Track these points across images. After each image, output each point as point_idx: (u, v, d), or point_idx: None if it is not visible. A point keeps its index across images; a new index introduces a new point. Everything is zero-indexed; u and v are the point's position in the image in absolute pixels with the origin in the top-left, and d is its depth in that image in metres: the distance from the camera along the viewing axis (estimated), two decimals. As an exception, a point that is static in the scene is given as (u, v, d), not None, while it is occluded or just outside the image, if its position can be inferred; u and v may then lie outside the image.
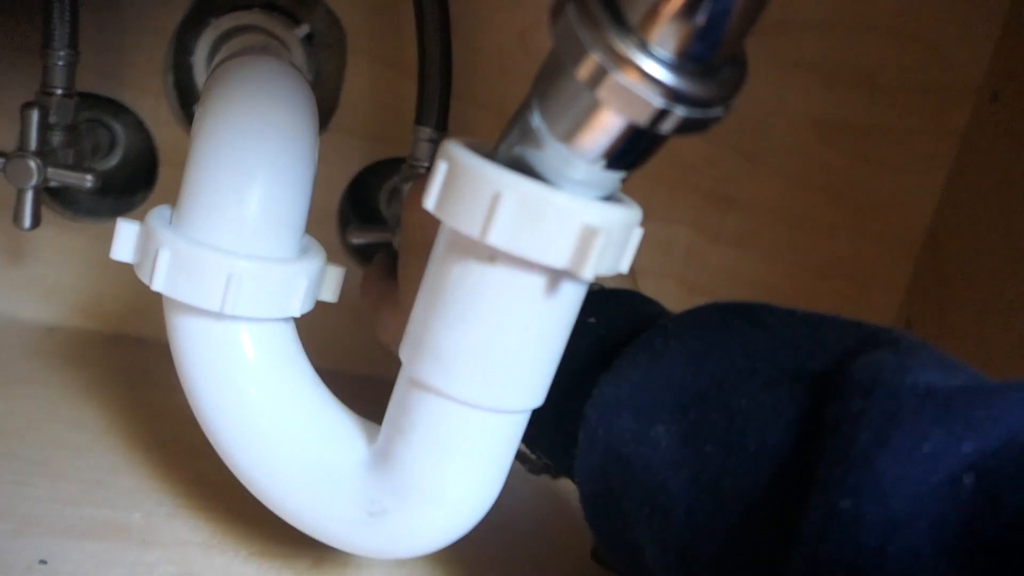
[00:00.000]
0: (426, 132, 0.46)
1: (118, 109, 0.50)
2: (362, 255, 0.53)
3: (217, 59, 0.48)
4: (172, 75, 0.50)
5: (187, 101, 0.50)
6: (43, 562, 0.33)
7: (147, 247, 0.30)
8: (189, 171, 0.32)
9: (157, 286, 0.30)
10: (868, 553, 0.21)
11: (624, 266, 0.26)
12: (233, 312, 0.30)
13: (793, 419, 0.24)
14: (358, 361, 0.52)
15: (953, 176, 0.53)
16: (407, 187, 0.47)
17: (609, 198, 0.26)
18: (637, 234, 0.26)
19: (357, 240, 0.52)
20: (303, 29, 0.49)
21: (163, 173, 0.51)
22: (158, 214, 0.32)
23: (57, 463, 0.39)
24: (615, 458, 0.28)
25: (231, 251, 0.30)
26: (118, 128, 0.51)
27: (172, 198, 0.51)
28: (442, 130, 0.47)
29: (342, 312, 0.52)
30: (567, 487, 0.48)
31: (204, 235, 0.30)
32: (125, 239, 0.31)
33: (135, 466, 0.40)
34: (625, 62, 0.21)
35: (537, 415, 0.29)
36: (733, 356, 0.27)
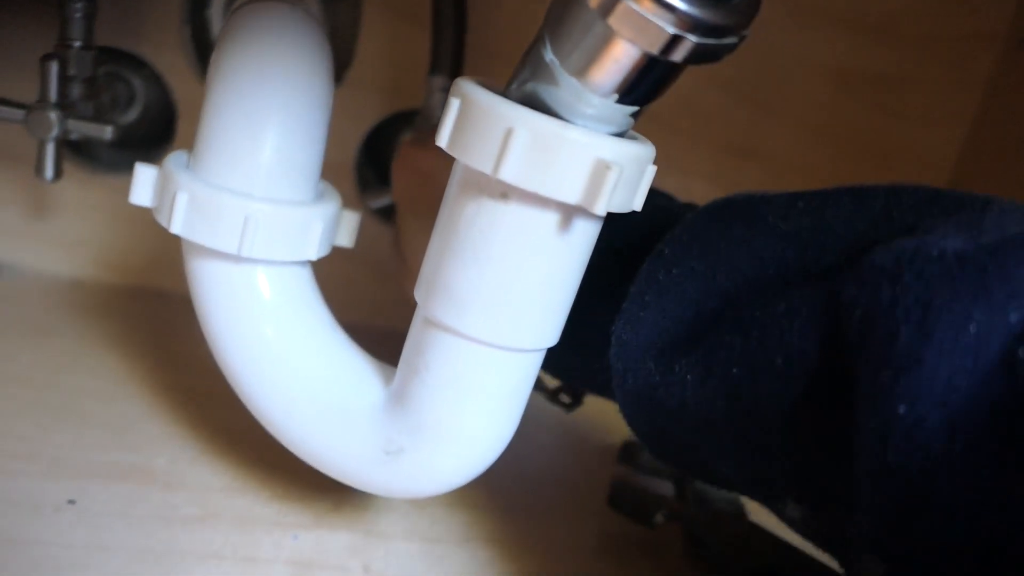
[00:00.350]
0: (440, 81, 0.46)
1: (136, 63, 0.50)
2: (382, 215, 0.54)
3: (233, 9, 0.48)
4: (189, 28, 0.50)
5: (204, 54, 0.50)
6: (71, 502, 0.34)
7: (165, 191, 0.31)
8: (205, 116, 0.32)
9: (175, 228, 0.30)
10: (936, 454, 0.20)
11: (638, 203, 0.26)
12: (250, 254, 0.30)
13: (813, 321, 0.23)
14: (378, 314, 0.53)
15: (976, 127, 0.52)
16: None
17: (622, 135, 0.26)
18: (650, 171, 0.26)
19: (375, 203, 0.52)
20: (318, -19, 0.48)
21: (181, 127, 0.51)
22: (175, 159, 0.32)
23: (83, 410, 0.40)
24: (651, 404, 0.27)
25: (247, 194, 0.30)
26: (137, 82, 0.52)
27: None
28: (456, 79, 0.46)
29: (361, 265, 0.53)
30: (584, 430, 0.49)
31: (221, 179, 0.31)
32: (143, 183, 0.32)
33: (159, 413, 0.41)
34: (634, -9, 0.21)
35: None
36: (739, 267, 0.26)
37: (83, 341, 0.46)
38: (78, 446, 0.37)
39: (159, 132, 0.52)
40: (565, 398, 0.43)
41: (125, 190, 0.51)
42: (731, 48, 0.22)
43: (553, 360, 0.30)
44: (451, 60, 0.46)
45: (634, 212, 0.26)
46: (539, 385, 0.42)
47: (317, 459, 0.31)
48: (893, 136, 0.53)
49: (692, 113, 0.52)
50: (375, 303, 0.53)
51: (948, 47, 0.51)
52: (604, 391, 0.33)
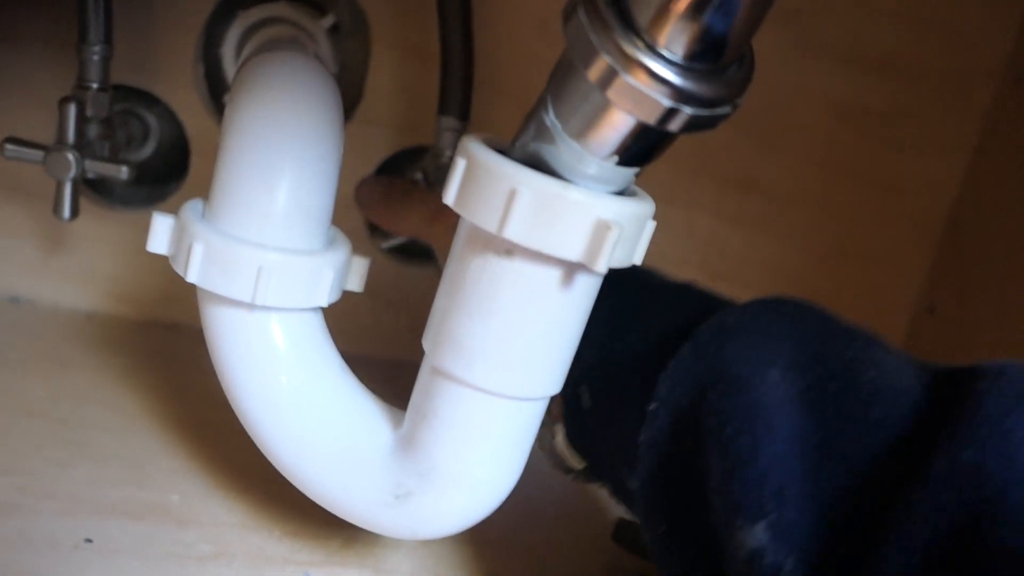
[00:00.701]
0: (449, 122, 0.47)
1: (150, 100, 0.52)
2: (396, 253, 0.55)
3: (245, 51, 0.49)
4: (202, 66, 0.51)
5: (217, 92, 0.51)
6: (89, 540, 0.35)
7: (181, 240, 0.32)
8: (220, 167, 0.33)
9: (191, 278, 0.31)
10: (988, 501, 0.21)
11: (638, 258, 0.27)
12: (264, 303, 0.31)
13: (920, 397, 0.25)
14: (382, 346, 0.54)
15: (975, 160, 0.53)
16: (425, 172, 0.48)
17: (623, 192, 0.27)
18: (650, 227, 0.27)
19: (386, 244, 0.53)
20: (328, 20, 0.50)
21: (195, 162, 0.52)
22: (191, 208, 0.33)
23: (98, 445, 0.41)
24: (723, 375, 0.27)
25: (261, 244, 0.31)
26: (151, 119, 0.53)
27: (204, 187, 0.53)
28: (465, 119, 0.48)
29: (367, 298, 0.53)
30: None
31: (235, 228, 0.32)
32: (160, 232, 0.33)
33: (172, 448, 0.42)
34: (634, 64, 0.22)
35: (591, 417, 0.30)
36: (855, 339, 0.28)
37: (98, 375, 0.47)
38: (94, 482, 0.38)
39: (173, 167, 0.53)
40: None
41: (139, 225, 0.53)
42: (725, 117, 0.23)
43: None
44: (460, 100, 0.47)
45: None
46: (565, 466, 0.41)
47: (328, 501, 0.32)
48: (894, 168, 0.54)
49: (695, 147, 0.53)
50: (377, 334, 0.54)
51: (946, 82, 0.52)
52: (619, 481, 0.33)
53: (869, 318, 0.56)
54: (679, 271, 0.55)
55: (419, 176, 0.50)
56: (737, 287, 0.56)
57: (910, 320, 0.57)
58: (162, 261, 0.34)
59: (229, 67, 0.51)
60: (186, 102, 0.51)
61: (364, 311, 0.54)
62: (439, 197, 0.33)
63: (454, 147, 0.48)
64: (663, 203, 0.44)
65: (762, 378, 0.27)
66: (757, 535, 0.25)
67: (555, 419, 0.35)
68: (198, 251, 0.31)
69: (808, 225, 0.55)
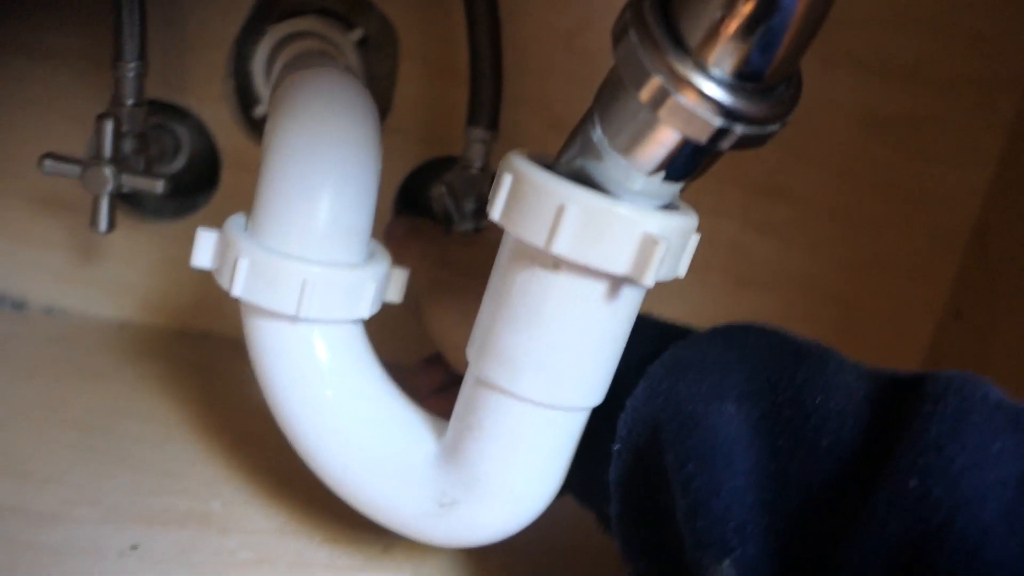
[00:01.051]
0: (478, 133, 0.48)
1: (182, 115, 0.52)
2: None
3: (276, 65, 0.50)
4: (232, 81, 0.52)
5: (247, 105, 0.52)
6: (134, 547, 0.35)
7: (226, 255, 0.32)
8: (262, 183, 0.33)
9: (236, 292, 0.32)
10: (934, 528, 0.21)
11: (682, 271, 0.28)
12: (307, 316, 0.31)
13: (866, 422, 0.25)
14: (421, 354, 0.54)
15: (1001, 169, 0.53)
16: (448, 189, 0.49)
17: (668, 206, 0.27)
18: (694, 240, 0.28)
19: (436, 196, 0.53)
20: (356, 33, 0.50)
21: (225, 175, 0.53)
22: (234, 223, 0.34)
23: (138, 455, 0.42)
24: (676, 413, 0.28)
25: (304, 258, 0.32)
26: (182, 132, 0.53)
27: (234, 199, 0.54)
28: (493, 131, 0.48)
29: (403, 308, 0.54)
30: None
31: (278, 243, 0.32)
32: (204, 247, 0.33)
33: (210, 457, 0.43)
34: (685, 84, 0.22)
35: None
36: (806, 361, 0.28)
37: (134, 385, 0.48)
38: (136, 492, 0.39)
39: (203, 180, 0.54)
40: None
41: (171, 236, 0.54)
42: (774, 134, 0.23)
43: None
44: (489, 112, 0.48)
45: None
46: None
47: (373, 511, 0.32)
48: (919, 177, 0.54)
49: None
50: (416, 342, 0.54)
51: (972, 90, 0.52)
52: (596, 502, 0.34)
53: (894, 325, 0.57)
54: (704, 278, 0.56)
55: (443, 190, 0.50)
56: (762, 294, 0.56)
57: (936, 327, 0.57)
58: (192, 271, 0.35)
59: (259, 81, 0.52)
60: (217, 116, 0.52)
61: (400, 320, 0.55)
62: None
63: (483, 158, 0.48)
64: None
65: (718, 413, 0.27)
66: (725, 572, 0.26)
67: None
68: (243, 266, 0.31)
69: (833, 233, 0.55)
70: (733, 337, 0.30)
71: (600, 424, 0.30)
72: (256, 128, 0.52)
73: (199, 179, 0.54)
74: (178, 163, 0.54)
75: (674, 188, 0.26)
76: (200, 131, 0.53)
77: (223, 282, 0.33)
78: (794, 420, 0.26)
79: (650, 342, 0.31)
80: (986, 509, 0.21)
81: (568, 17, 0.51)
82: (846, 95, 0.53)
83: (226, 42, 0.51)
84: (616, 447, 0.30)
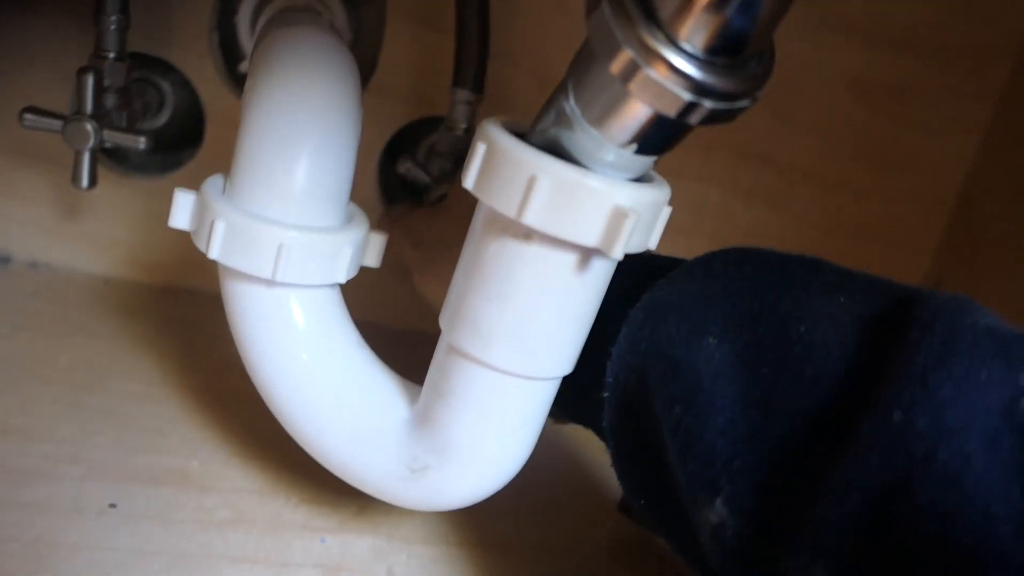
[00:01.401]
0: (463, 94, 0.47)
1: (166, 68, 0.52)
2: (401, 188, 0.55)
3: (261, 19, 0.49)
4: (217, 34, 0.51)
5: (232, 60, 0.52)
6: (112, 506, 0.36)
7: (203, 217, 0.32)
8: (240, 145, 0.33)
9: (213, 254, 0.32)
10: (917, 459, 0.21)
11: (653, 243, 0.28)
12: (283, 279, 0.31)
13: (852, 353, 0.25)
14: (396, 316, 0.54)
15: (989, 137, 0.53)
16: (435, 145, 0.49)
17: (641, 178, 0.27)
18: (666, 212, 0.28)
19: (404, 171, 0.52)
20: (343, -11, 0.50)
21: (210, 130, 0.52)
22: (212, 184, 0.33)
23: (120, 413, 0.42)
24: (659, 358, 0.28)
25: (281, 222, 0.32)
26: (166, 87, 0.53)
27: (219, 155, 0.53)
28: (479, 92, 0.48)
29: (384, 269, 0.54)
30: (595, 442, 0.50)
31: (255, 206, 0.32)
32: (182, 209, 0.33)
33: (191, 415, 0.43)
34: (656, 57, 0.22)
35: (570, 392, 0.30)
36: (789, 288, 0.28)
37: (118, 341, 0.48)
38: (117, 448, 0.39)
39: (188, 135, 0.53)
40: None
41: (156, 192, 0.53)
42: (744, 110, 0.23)
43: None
44: (474, 73, 0.47)
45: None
46: None
47: (347, 474, 0.33)
48: (907, 145, 0.54)
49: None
50: (395, 304, 0.55)
51: (963, 59, 0.52)
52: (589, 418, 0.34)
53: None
54: (690, 244, 0.55)
55: (408, 164, 0.50)
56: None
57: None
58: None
59: (244, 35, 0.51)
60: (201, 70, 0.51)
61: (378, 281, 0.55)
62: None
63: (468, 119, 0.48)
64: (676, 176, 0.44)
65: (699, 350, 0.27)
66: (717, 510, 0.26)
67: None
68: (220, 228, 0.31)
69: (819, 200, 0.55)
70: (715, 267, 0.30)
71: (588, 351, 0.30)
72: (241, 84, 0.52)
73: (184, 134, 0.54)
74: (162, 118, 0.53)
75: (647, 160, 0.26)
76: (184, 86, 0.52)
77: (200, 244, 0.33)
78: (777, 349, 0.26)
79: (631, 284, 0.31)
80: (970, 438, 0.21)
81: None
82: (835, 62, 0.52)
83: (209, -5, 0.50)
84: (605, 395, 0.30)
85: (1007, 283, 0.49)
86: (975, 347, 0.22)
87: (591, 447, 0.50)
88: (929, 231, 0.55)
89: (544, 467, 0.45)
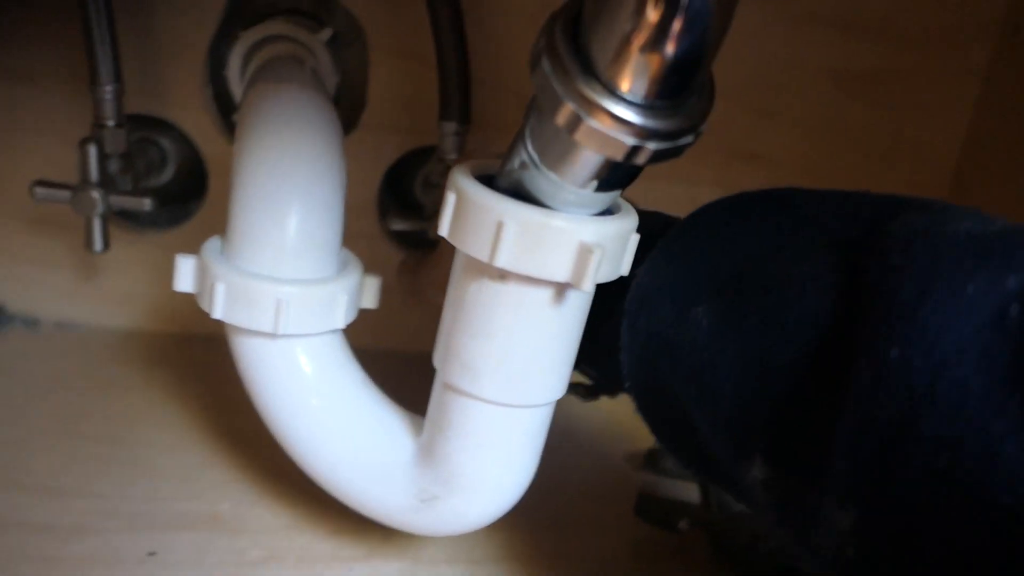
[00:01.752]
0: (450, 127, 0.49)
1: (164, 126, 0.54)
2: (401, 239, 0.57)
3: (249, 70, 0.51)
4: (210, 89, 0.53)
5: (226, 111, 0.54)
6: (151, 554, 0.38)
7: (204, 280, 0.34)
8: (232, 206, 0.35)
9: (216, 315, 0.34)
10: (918, 396, 0.21)
11: (624, 269, 0.29)
12: (285, 331, 0.33)
13: (830, 285, 0.25)
14: (409, 340, 0.56)
15: (976, 118, 0.53)
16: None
17: (609, 209, 0.29)
18: (634, 240, 0.29)
19: (397, 227, 0.55)
20: (325, 33, 0.51)
21: (212, 181, 0.55)
22: (211, 247, 0.35)
23: (152, 463, 0.44)
24: (659, 344, 0.29)
25: (277, 277, 0.34)
26: (166, 144, 0.55)
27: (223, 204, 0.55)
28: (465, 123, 0.49)
29: (390, 295, 0.56)
30: (608, 442, 0.52)
31: (251, 264, 0.34)
32: (184, 273, 0.35)
33: (219, 459, 0.45)
34: (596, 108, 0.23)
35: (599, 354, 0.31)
36: (766, 235, 0.28)
37: (145, 392, 0.51)
38: (152, 499, 0.42)
39: (192, 187, 0.56)
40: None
41: (168, 244, 0.56)
42: (689, 145, 0.24)
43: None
44: (459, 105, 0.49)
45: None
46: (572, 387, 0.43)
47: (363, 508, 0.35)
48: (894, 131, 0.54)
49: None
50: (402, 328, 0.56)
51: (943, 40, 0.52)
52: (609, 378, 0.35)
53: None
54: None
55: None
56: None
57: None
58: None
59: (235, 87, 0.53)
60: (198, 125, 0.53)
61: (386, 306, 0.56)
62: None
63: (458, 149, 0.50)
64: (665, 179, 0.45)
65: (689, 326, 0.28)
66: (759, 467, 0.26)
67: None
68: (220, 290, 0.33)
69: (811, 189, 0.56)
70: (697, 233, 0.30)
71: (597, 307, 0.31)
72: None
73: (188, 186, 0.56)
74: (166, 174, 0.55)
75: (611, 195, 0.27)
76: (183, 141, 0.54)
77: (204, 305, 0.35)
78: (756, 302, 0.26)
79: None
80: (965, 362, 0.21)
81: (540, 2, 0.51)
82: (816, 54, 0.53)
83: (201, 51, 0.52)
84: (626, 385, 0.31)
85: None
86: (959, 261, 0.22)
87: (602, 451, 0.51)
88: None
89: (557, 476, 0.46)
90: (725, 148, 0.55)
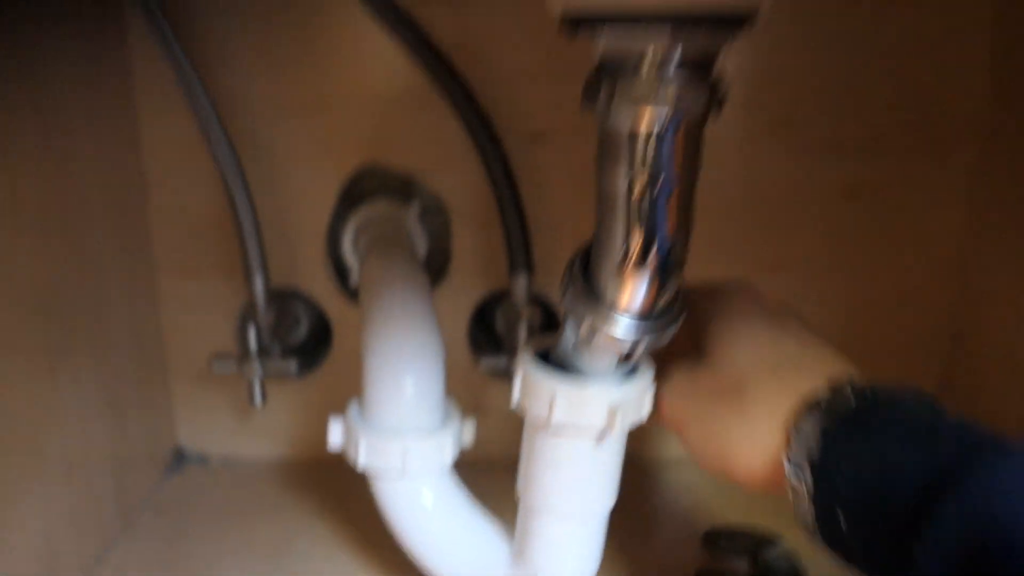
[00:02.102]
0: (520, 280, 0.61)
1: (297, 296, 0.68)
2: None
3: (361, 243, 0.64)
4: (331, 262, 0.67)
5: (344, 277, 0.67)
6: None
7: (350, 437, 0.47)
8: (365, 376, 0.48)
9: (361, 465, 0.46)
10: (997, 534, 0.28)
11: (645, 414, 0.40)
12: (410, 471, 0.45)
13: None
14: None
15: (969, 205, 0.63)
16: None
17: (632, 369, 0.40)
18: (650, 391, 0.40)
19: (486, 365, 0.67)
20: (415, 209, 0.65)
21: (337, 335, 0.68)
22: (353, 409, 0.48)
23: (310, 567, 0.56)
24: (1001, 539, 0.29)
25: (401, 429, 0.46)
26: (299, 308, 0.69)
27: (346, 353, 0.68)
28: (529, 272, 0.61)
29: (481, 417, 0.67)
30: (669, 521, 0.61)
31: (383, 421, 0.46)
32: (336, 432, 0.48)
33: (362, 565, 0.57)
34: (605, 324, 0.35)
35: (849, 538, 0.34)
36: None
37: (300, 512, 0.63)
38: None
39: (322, 340, 0.69)
40: None
41: (306, 386, 0.69)
42: (673, 333, 0.36)
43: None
44: (523, 259, 0.61)
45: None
46: None
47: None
48: (900, 229, 0.64)
49: (719, 244, 0.65)
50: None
51: (931, 149, 0.62)
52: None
53: (900, 357, 0.66)
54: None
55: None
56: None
57: (942, 354, 0.66)
58: (328, 409, 0.49)
59: (350, 258, 0.66)
60: (323, 292, 0.67)
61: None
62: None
63: (526, 293, 0.62)
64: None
65: None
66: None
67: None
68: (363, 446, 0.46)
69: (834, 288, 0.66)
70: None
71: (893, 529, 0.32)
72: (353, 294, 0.67)
73: (318, 339, 0.70)
74: (301, 331, 0.69)
75: (628, 364, 0.39)
76: (312, 305, 0.68)
77: (351, 456, 0.47)
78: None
79: (952, 450, 0.32)
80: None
81: (575, 158, 0.63)
82: (820, 174, 0.63)
83: (321, 231, 0.66)
84: (921, 557, 0.31)
85: (1018, 324, 0.58)
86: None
87: (663, 531, 0.61)
88: (942, 293, 0.66)
89: (622, 555, 0.56)
90: (752, 261, 0.66)
